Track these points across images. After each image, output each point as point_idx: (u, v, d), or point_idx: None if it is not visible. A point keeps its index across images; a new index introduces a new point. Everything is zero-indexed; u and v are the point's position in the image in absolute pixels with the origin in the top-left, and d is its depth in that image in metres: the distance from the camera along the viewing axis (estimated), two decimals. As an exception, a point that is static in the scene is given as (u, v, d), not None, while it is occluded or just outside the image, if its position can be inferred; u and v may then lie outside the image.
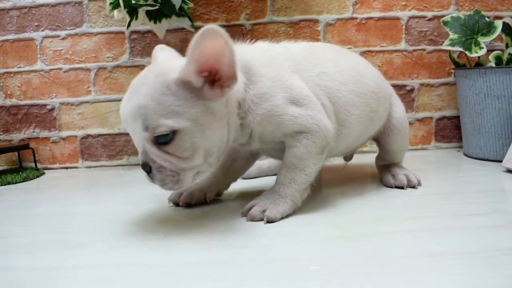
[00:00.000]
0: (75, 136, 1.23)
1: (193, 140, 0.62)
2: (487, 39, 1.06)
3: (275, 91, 0.68)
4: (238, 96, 0.67)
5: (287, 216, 0.71)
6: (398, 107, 0.89)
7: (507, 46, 1.11)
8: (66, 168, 1.24)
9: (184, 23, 1.09)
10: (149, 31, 1.20)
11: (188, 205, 0.79)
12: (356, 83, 0.77)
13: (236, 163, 0.84)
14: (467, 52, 1.06)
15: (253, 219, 0.69)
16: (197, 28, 1.17)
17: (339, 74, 0.75)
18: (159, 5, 1.02)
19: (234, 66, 0.60)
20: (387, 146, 0.89)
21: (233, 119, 0.67)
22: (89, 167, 1.23)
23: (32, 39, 1.21)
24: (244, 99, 0.67)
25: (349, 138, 0.79)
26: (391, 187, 0.86)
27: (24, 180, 1.10)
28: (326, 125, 0.70)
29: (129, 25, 1.00)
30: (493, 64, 1.07)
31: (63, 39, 1.21)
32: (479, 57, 1.10)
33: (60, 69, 1.21)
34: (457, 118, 1.25)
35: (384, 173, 0.90)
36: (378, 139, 0.89)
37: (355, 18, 1.21)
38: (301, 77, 0.71)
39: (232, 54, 0.60)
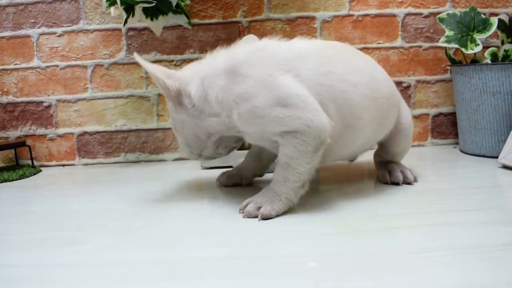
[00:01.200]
0: (72, 134, 1.23)
1: (178, 134, 0.83)
2: (483, 36, 1.07)
3: (257, 91, 0.68)
4: (210, 93, 0.74)
5: (284, 213, 0.71)
6: (406, 112, 0.88)
7: (502, 42, 1.11)
8: (63, 165, 1.24)
9: (181, 20, 1.09)
10: (146, 28, 1.20)
11: (226, 186, 0.92)
12: (369, 87, 0.74)
13: (264, 153, 0.90)
14: (463, 49, 1.06)
15: (249, 216, 0.70)
16: (194, 25, 1.18)
17: (350, 75, 0.72)
18: (156, 2, 1.02)
19: (162, 88, 0.78)
20: (389, 148, 0.88)
21: (202, 122, 0.77)
22: (86, 164, 1.23)
23: (28, 36, 1.21)
24: (227, 99, 0.71)
25: (356, 142, 0.77)
26: (387, 183, 0.87)
27: (21, 177, 1.10)
28: (319, 124, 0.67)
29: (125, 22, 1.00)
30: (488, 61, 1.07)
31: (59, 36, 1.20)
32: (475, 53, 1.11)
33: (57, 66, 1.21)
34: (453, 114, 1.25)
35: (381, 169, 0.90)
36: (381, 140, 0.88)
37: (352, 15, 1.21)
38: (297, 75, 0.69)
39: (155, 78, 0.77)
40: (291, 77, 0.69)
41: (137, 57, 0.78)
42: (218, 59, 0.75)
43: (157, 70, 0.77)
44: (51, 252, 0.61)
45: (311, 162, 0.69)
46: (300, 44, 0.75)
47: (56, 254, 0.60)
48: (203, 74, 0.75)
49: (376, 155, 0.94)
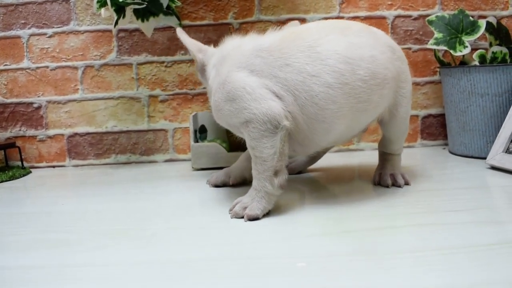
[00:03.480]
0: (62, 135, 1.22)
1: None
2: (471, 38, 1.08)
3: (218, 87, 0.75)
4: (210, 76, 0.82)
5: (274, 213, 0.72)
6: (406, 101, 0.84)
7: (490, 45, 1.13)
8: (53, 166, 1.23)
9: (172, 21, 1.09)
10: (136, 30, 1.19)
11: (216, 186, 0.93)
12: (334, 73, 0.70)
13: None
14: (451, 51, 1.07)
15: (236, 216, 0.72)
16: (185, 27, 1.18)
17: (310, 65, 0.70)
18: (146, 3, 1.02)
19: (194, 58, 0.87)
20: (384, 132, 0.88)
21: None
22: (76, 165, 1.23)
23: (18, 37, 1.20)
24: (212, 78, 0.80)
25: (333, 132, 0.75)
26: (377, 185, 0.88)
27: (11, 178, 1.10)
28: (267, 110, 0.68)
29: (116, 23, 1.00)
30: (477, 63, 1.09)
31: (50, 37, 1.20)
32: (463, 55, 1.12)
33: (47, 67, 1.21)
34: (442, 116, 1.27)
35: (377, 167, 0.91)
36: (380, 122, 0.86)
37: (342, 17, 1.22)
38: (252, 71, 0.72)
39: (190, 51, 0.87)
40: (245, 72, 0.73)
41: (179, 32, 0.89)
42: (222, 48, 0.83)
43: (191, 44, 0.88)
44: (42, 253, 0.60)
45: (273, 147, 0.69)
46: (266, 39, 0.76)
47: (47, 256, 0.59)
48: (214, 58, 0.83)
49: (379, 143, 0.92)
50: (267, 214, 0.71)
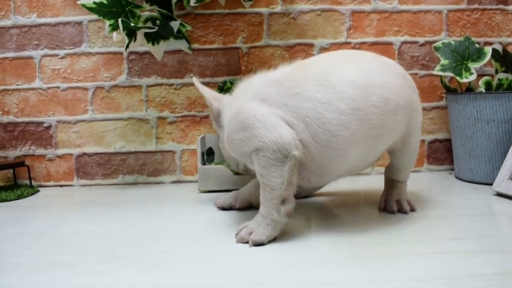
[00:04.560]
0: (71, 154, 1.24)
1: (222, 150, 0.95)
2: (477, 65, 1.09)
3: (231, 119, 0.76)
4: (225, 121, 0.82)
5: (280, 238, 0.72)
6: (417, 131, 0.84)
7: (496, 71, 1.14)
8: (61, 186, 1.24)
9: (182, 45, 1.11)
10: (147, 52, 1.22)
11: (223, 208, 0.94)
12: (345, 99, 0.71)
13: None
14: (457, 78, 1.08)
15: (241, 241, 0.72)
16: (195, 50, 1.21)
17: (320, 93, 0.71)
18: (157, 27, 1.04)
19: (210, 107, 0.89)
20: (392, 160, 0.87)
21: None
22: (84, 185, 1.24)
23: (31, 58, 1.23)
24: (225, 124, 0.81)
25: (347, 160, 0.74)
26: (382, 211, 0.88)
27: (19, 197, 1.11)
28: (277, 138, 0.69)
29: (127, 46, 1.02)
30: (483, 90, 1.09)
31: (62, 58, 1.22)
32: (469, 82, 1.13)
33: (58, 87, 1.23)
34: (448, 141, 1.27)
35: (383, 192, 0.91)
36: (390, 151, 0.85)
37: (349, 43, 1.23)
38: (268, 100, 0.74)
39: (206, 99, 0.90)
40: (256, 102, 0.74)
41: (195, 80, 0.92)
42: (234, 92, 0.86)
43: (207, 93, 0.90)
44: (48, 276, 0.61)
45: (282, 177, 0.70)
46: (276, 72, 0.80)
47: (53, 278, 0.60)
48: (228, 103, 0.84)
49: (386, 169, 0.92)
50: (273, 239, 0.72)
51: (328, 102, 0.71)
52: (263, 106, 0.73)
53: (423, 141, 1.27)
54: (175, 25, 1.06)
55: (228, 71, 1.22)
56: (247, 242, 0.71)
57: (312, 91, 0.72)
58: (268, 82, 0.77)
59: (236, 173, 1.05)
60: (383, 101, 0.73)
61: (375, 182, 1.14)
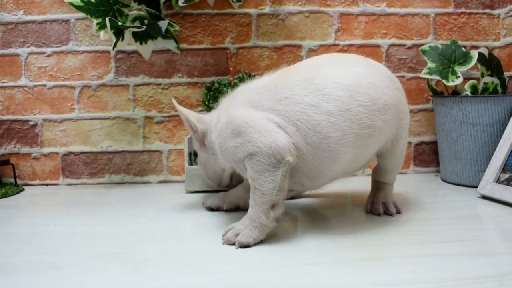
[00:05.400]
0: (57, 153, 1.23)
1: (201, 168, 0.97)
2: (464, 68, 1.10)
3: (224, 128, 0.76)
4: (213, 138, 0.84)
5: (266, 241, 0.72)
6: (405, 133, 0.85)
7: (482, 75, 1.15)
8: (47, 185, 1.23)
9: (170, 45, 1.11)
10: (134, 51, 1.21)
11: (210, 209, 0.94)
12: (333, 101, 0.71)
13: None
14: (444, 81, 1.09)
15: (228, 243, 0.72)
16: (183, 50, 1.20)
17: (308, 96, 0.72)
18: (145, 27, 1.03)
19: (192, 131, 0.90)
20: (379, 161, 0.88)
21: (217, 159, 0.86)
22: (70, 184, 1.23)
23: (17, 55, 1.21)
24: (214, 138, 0.83)
25: (339, 161, 0.74)
26: (368, 213, 0.88)
27: (3, 196, 1.09)
28: (271, 143, 0.69)
29: (115, 45, 1.01)
30: (469, 93, 1.11)
31: (48, 56, 1.21)
32: (456, 85, 1.14)
33: (44, 85, 1.21)
34: (435, 143, 1.28)
35: (370, 194, 0.92)
36: (378, 153, 0.85)
37: (337, 45, 1.24)
38: (257, 106, 0.74)
39: (186, 120, 0.90)
40: (245, 108, 0.75)
41: (175, 103, 0.91)
42: (218, 108, 0.88)
43: (190, 115, 0.89)
44: (31, 277, 0.60)
45: (274, 182, 0.70)
46: (261, 79, 0.81)
47: (36, 280, 0.59)
48: (213, 121, 0.86)
49: (373, 171, 0.93)
50: (259, 241, 0.72)
51: (316, 104, 0.71)
52: (253, 111, 0.74)
53: (409, 143, 1.28)
54: (163, 24, 1.05)
55: (216, 72, 1.22)
56: (234, 244, 0.71)
57: (300, 95, 0.73)
58: (255, 90, 0.78)
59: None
60: (370, 101, 0.73)
61: (362, 184, 1.15)
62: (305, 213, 0.91)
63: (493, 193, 0.96)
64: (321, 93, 0.72)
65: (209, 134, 0.88)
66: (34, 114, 1.22)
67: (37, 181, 1.23)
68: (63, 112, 1.22)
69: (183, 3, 1.02)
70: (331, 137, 0.71)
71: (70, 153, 1.23)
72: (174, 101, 0.91)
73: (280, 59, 1.23)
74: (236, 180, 0.95)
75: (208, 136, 0.89)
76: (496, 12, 1.28)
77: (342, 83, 0.73)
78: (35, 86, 1.22)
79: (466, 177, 1.11)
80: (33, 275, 0.61)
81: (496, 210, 0.90)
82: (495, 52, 1.27)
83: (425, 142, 1.29)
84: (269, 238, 0.73)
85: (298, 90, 0.73)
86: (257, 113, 0.73)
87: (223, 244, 0.72)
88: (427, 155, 1.29)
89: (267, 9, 1.22)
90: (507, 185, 0.95)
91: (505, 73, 1.18)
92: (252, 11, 1.22)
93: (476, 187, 1.03)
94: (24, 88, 1.22)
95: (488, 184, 0.99)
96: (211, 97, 1.08)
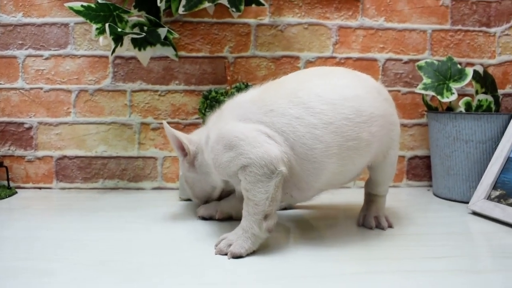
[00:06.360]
0: (51, 157, 1.22)
1: (189, 188, 0.98)
2: (459, 85, 1.11)
3: (215, 144, 0.77)
4: (205, 157, 0.86)
5: (258, 252, 0.72)
6: (396, 145, 0.86)
7: (476, 92, 1.16)
8: (40, 188, 1.23)
9: (169, 52, 1.11)
10: (133, 57, 1.21)
11: (203, 218, 0.94)
12: (317, 114, 0.72)
13: None
14: (439, 97, 1.10)
15: (220, 253, 0.72)
16: (181, 58, 1.21)
17: (293, 109, 0.73)
18: (144, 34, 1.04)
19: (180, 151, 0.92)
20: (371, 174, 0.88)
21: (207, 178, 0.90)
22: (63, 188, 1.22)
23: (15, 57, 1.21)
24: (206, 157, 0.84)
25: (324, 172, 0.74)
26: (360, 226, 0.89)
27: (-4, 198, 1.09)
28: (263, 153, 0.70)
29: (113, 51, 1.01)
30: (463, 110, 1.12)
31: (46, 59, 1.21)
32: (450, 101, 1.15)
33: (41, 88, 1.21)
34: (428, 158, 1.29)
35: (362, 207, 0.92)
36: (369, 164, 0.85)
37: (335, 57, 1.25)
38: (244, 119, 0.76)
39: (173, 142, 0.92)
40: (234, 122, 0.76)
41: (165, 125, 0.90)
42: (207, 126, 0.89)
43: (182, 137, 0.90)
44: (22, 283, 0.60)
45: (267, 193, 0.71)
46: (247, 93, 0.83)
47: (26, 286, 0.59)
48: (203, 140, 0.87)
49: (365, 183, 0.93)
50: (252, 252, 0.72)
51: (301, 117, 0.73)
52: (242, 124, 0.75)
53: (403, 157, 1.29)
54: (162, 32, 1.06)
55: (214, 80, 1.23)
56: (226, 254, 0.71)
57: (285, 107, 0.74)
58: (241, 104, 0.79)
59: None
60: (355, 113, 0.74)
61: (354, 196, 1.15)
62: (298, 224, 0.91)
63: (484, 210, 0.97)
64: (305, 106, 0.73)
65: (199, 154, 0.90)
66: (30, 117, 1.22)
67: (30, 184, 1.23)
68: (59, 116, 1.22)
69: (183, 11, 1.03)
70: (316, 149, 0.72)
71: (65, 157, 1.22)
72: (165, 123, 0.90)
73: (278, 69, 1.23)
74: (224, 198, 0.97)
75: (198, 157, 0.90)
76: (492, 30, 1.29)
77: (326, 96, 0.74)
78: (31, 88, 1.22)
79: (458, 193, 1.11)
80: (24, 281, 0.61)
81: (486, 226, 0.91)
82: (490, 70, 1.29)
83: (419, 156, 1.30)
84: (261, 249, 0.73)
85: (283, 103, 0.74)
86: (246, 126, 0.74)
87: (216, 254, 0.72)
88: (420, 169, 1.30)
89: (266, 20, 1.23)
90: (498, 202, 0.96)
91: (499, 90, 1.20)
92: (251, 21, 1.23)
93: (468, 202, 1.04)
94: (21, 90, 1.22)
95: (479, 200, 1.00)
96: (208, 106, 1.08)
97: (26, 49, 1.21)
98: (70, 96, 1.22)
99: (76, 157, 1.23)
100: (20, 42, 1.21)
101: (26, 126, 1.22)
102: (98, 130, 1.22)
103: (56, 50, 1.21)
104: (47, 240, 0.79)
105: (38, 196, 1.14)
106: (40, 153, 1.22)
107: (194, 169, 0.92)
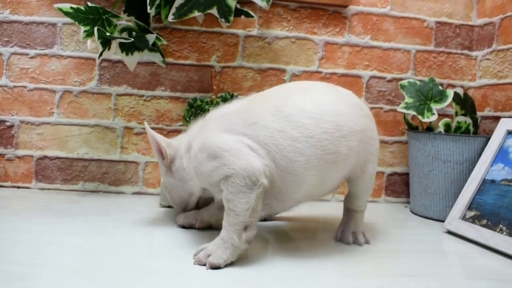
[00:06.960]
0: (32, 156, 1.21)
1: (167, 193, 1.00)
2: (439, 106, 1.14)
3: (198, 153, 0.78)
4: (184, 164, 0.87)
5: (236, 263, 0.73)
6: (375, 159, 0.87)
7: (456, 114, 1.19)
8: (18, 187, 1.21)
9: (156, 58, 1.11)
10: (119, 61, 1.21)
11: (183, 226, 0.94)
12: (298, 128, 0.75)
13: None
14: (419, 117, 1.13)
15: (199, 263, 0.73)
16: (168, 64, 1.21)
17: (276, 122, 0.75)
18: (133, 39, 1.04)
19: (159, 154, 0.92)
20: (350, 187, 0.90)
21: (185, 184, 0.91)
22: (42, 189, 1.21)
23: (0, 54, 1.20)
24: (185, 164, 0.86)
25: (304, 185, 0.76)
26: (338, 241, 0.90)
27: (-28, 197, 1.07)
28: (246, 165, 0.71)
29: (101, 54, 1.01)
30: (442, 130, 1.15)
31: (31, 57, 1.20)
32: (430, 121, 1.18)
33: (25, 87, 1.20)
34: (407, 175, 1.32)
35: (341, 223, 0.93)
36: (348, 178, 0.87)
37: (320, 72, 1.27)
38: (229, 131, 0.77)
39: (154, 144, 0.92)
40: (218, 132, 0.77)
41: (146, 126, 0.91)
42: (188, 134, 0.89)
43: (161, 140, 0.91)
44: (-2, 286, 0.60)
45: (248, 203, 0.72)
46: (232, 105, 0.84)
47: (3, 289, 0.59)
48: (182, 146, 0.89)
49: (345, 198, 0.94)
50: (230, 263, 0.72)
51: (283, 130, 0.75)
52: (225, 135, 0.76)
53: (382, 173, 1.31)
54: (151, 38, 1.06)
55: (200, 88, 1.23)
56: (205, 264, 0.72)
57: (268, 121, 0.76)
58: (226, 116, 0.80)
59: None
60: (335, 128, 0.77)
61: (333, 209, 1.17)
62: (277, 235, 0.92)
63: (459, 230, 0.99)
64: (287, 119, 0.75)
65: (177, 159, 0.90)
66: (12, 115, 1.21)
67: (9, 183, 1.21)
68: (42, 116, 1.21)
69: (172, 19, 1.04)
70: (297, 162, 0.74)
71: (45, 157, 1.21)
72: (146, 124, 0.92)
73: (263, 81, 1.25)
74: (202, 205, 0.97)
75: (176, 162, 0.90)
76: (474, 53, 1.33)
77: (308, 110, 0.76)
78: (15, 86, 1.20)
79: (434, 211, 1.14)
80: (3, 285, 0.60)
81: (460, 246, 0.93)
82: (470, 92, 1.32)
83: (398, 173, 1.32)
84: (239, 260, 0.74)
85: (267, 116, 0.76)
86: (231, 137, 0.75)
87: (194, 264, 0.72)
88: (398, 186, 1.33)
89: (254, 31, 1.25)
90: (472, 222, 0.99)
91: (478, 113, 1.23)
92: (240, 31, 1.24)
93: (443, 221, 1.07)
94: (4, 88, 1.20)
95: (454, 220, 1.02)
96: (193, 114, 1.09)
97: (11, 46, 1.20)
98: (54, 96, 1.21)
99: (57, 158, 1.22)
100: (6, 39, 1.20)
101: (7, 124, 1.21)
102: (80, 132, 1.22)
103: (42, 49, 1.21)
104: (25, 243, 0.78)
105: (16, 196, 1.13)
106: (21, 152, 1.21)
107: (171, 173, 0.92)
